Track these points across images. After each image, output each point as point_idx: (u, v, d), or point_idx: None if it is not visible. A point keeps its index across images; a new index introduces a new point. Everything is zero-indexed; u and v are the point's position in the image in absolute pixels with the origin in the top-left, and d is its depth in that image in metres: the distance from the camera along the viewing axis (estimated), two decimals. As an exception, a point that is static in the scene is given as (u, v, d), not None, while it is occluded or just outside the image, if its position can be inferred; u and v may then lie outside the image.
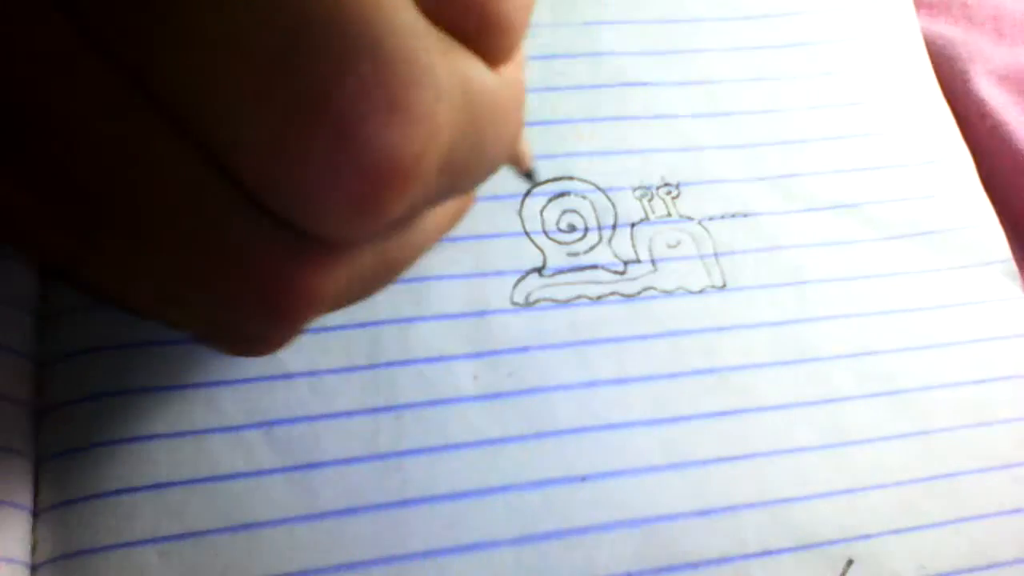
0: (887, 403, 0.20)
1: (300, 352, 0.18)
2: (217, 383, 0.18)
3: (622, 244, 0.21)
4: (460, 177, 0.13)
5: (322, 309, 0.14)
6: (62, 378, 0.17)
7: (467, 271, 0.20)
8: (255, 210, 0.12)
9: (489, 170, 0.14)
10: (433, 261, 0.19)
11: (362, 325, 0.19)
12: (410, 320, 0.19)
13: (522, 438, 0.18)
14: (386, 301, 0.19)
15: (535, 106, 0.22)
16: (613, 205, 0.21)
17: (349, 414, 0.18)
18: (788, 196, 0.22)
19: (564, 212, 0.21)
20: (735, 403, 0.19)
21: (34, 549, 0.16)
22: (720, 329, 0.20)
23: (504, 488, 0.18)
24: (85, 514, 0.17)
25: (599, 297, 0.20)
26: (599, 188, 0.22)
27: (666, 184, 0.22)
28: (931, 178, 0.23)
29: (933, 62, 0.25)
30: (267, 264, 0.13)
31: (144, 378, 0.18)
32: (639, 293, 0.20)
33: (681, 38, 0.24)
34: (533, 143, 0.21)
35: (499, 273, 0.20)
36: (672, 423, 0.19)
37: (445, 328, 0.19)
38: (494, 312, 0.20)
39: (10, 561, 0.16)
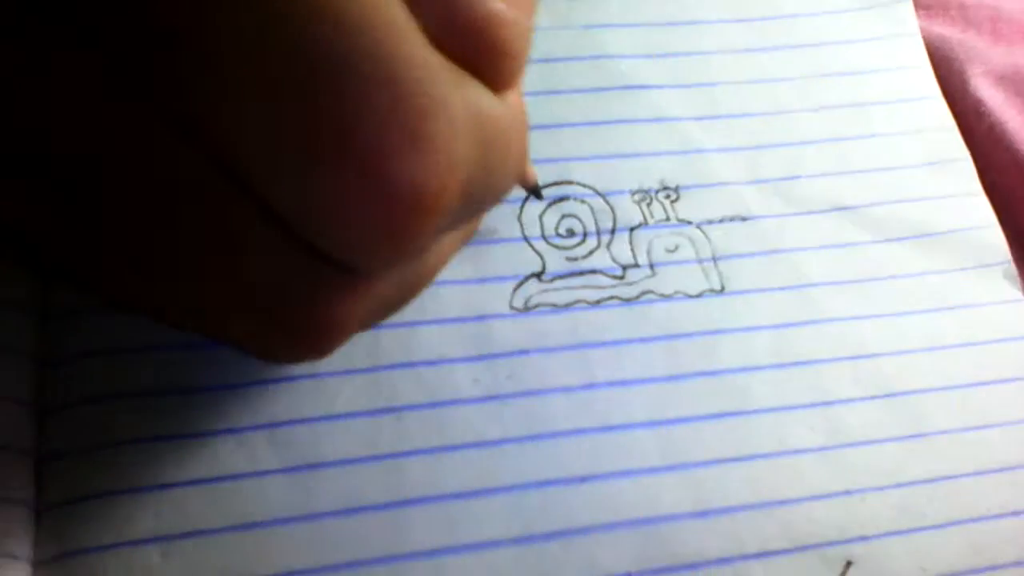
0: (886, 405, 0.20)
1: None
2: (221, 386, 0.18)
3: (621, 249, 0.21)
4: (476, 203, 0.14)
5: (349, 334, 0.15)
6: (66, 379, 0.18)
7: (467, 277, 0.20)
8: (288, 243, 0.13)
9: (501, 193, 0.15)
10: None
11: None
12: (411, 324, 0.19)
13: (521, 439, 0.18)
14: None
15: (535, 110, 0.22)
16: (612, 209, 0.22)
17: (350, 416, 0.18)
18: (787, 199, 0.22)
19: (563, 217, 0.21)
20: (734, 405, 0.19)
21: (36, 547, 0.16)
22: (718, 332, 0.20)
23: (504, 488, 0.18)
24: (88, 513, 0.17)
25: (598, 301, 0.20)
26: (598, 192, 0.22)
27: (665, 188, 0.22)
28: (931, 180, 0.23)
29: (931, 63, 0.25)
30: (301, 296, 0.13)
31: (148, 381, 0.18)
32: (638, 297, 0.21)
33: (682, 40, 0.24)
34: (533, 147, 0.22)
35: (499, 279, 0.20)
36: (671, 425, 0.19)
37: (445, 332, 0.19)
38: (493, 317, 0.20)
39: (13, 559, 0.16)
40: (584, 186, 0.22)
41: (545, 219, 0.21)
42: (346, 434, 0.18)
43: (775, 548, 0.18)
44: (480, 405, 0.19)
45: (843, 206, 0.22)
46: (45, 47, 0.12)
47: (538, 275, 0.21)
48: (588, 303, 0.20)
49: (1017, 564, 0.19)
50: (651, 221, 0.22)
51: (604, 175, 0.22)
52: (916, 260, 0.22)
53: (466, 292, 0.20)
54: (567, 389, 0.19)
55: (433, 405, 0.19)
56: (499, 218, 0.21)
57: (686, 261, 0.21)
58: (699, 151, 0.23)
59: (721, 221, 0.22)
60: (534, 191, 0.21)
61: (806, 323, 0.21)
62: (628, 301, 0.20)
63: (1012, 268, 0.22)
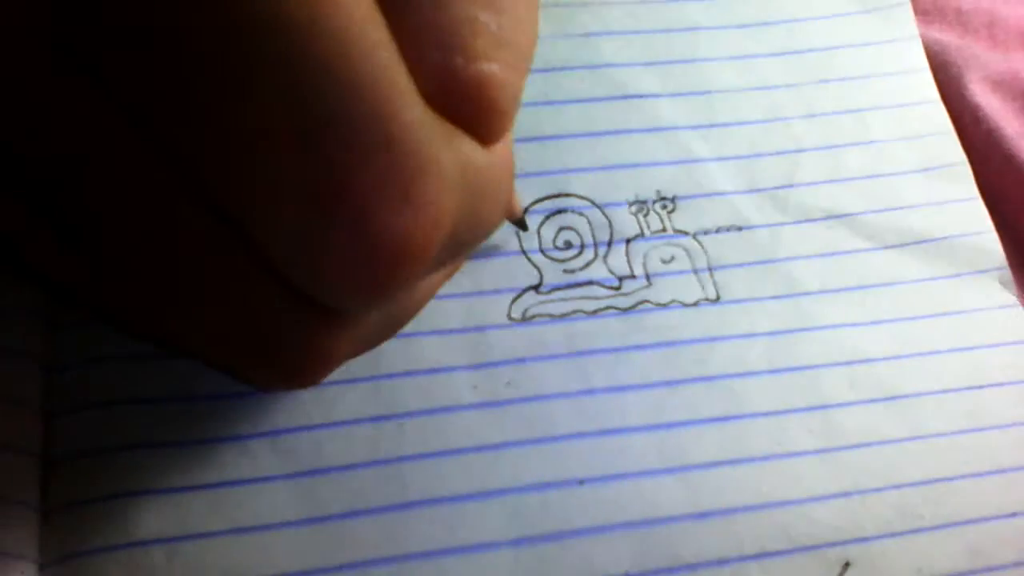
0: (883, 408, 0.20)
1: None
2: (225, 394, 0.18)
3: (617, 260, 0.21)
4: (460, 248, 0.14)
5: (334, 367, 0.15)
6: (73, 383, 0.18)
7: (466, 290, 0.20)
8: (277, 283, 0.13)
9: (485, 236, 0.15)
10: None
11: None
12: (411, 335, 0.19)
13: (520, 443, 0.19)
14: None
15: (533, 121, 0.22)
16: (609, 221, 0.22)
17: (351, 423, 0.18)
18: (783, 207, 0.22)
19: (561, 229, 0.22)
20: (731, 409, 0.20)
21: (42, 548, 0.17)
22: (714, 340, 0.20)
23: (503, 491, 0.18)
24: (93, 515, 0.17)
25: (595, 312, 0.21)
26: (596, 204, 0.22)
27: (662, 198, 0.22)
28: (928, 186, 0.23)
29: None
30: (287, 332, 0.14)
31: (154, 387, 0.18)
32: (634, 307, 0.21)
33: (680, 48, 0.24)
34: (531, 158, 0.22)
35: (496, 292, 0.21)
36: (668, 428, 0.19)
37: (445, 342, 0.20)
38: (492, 327, 0.20)
39: (19, 560, 0.16)
40: (582, 198, 0.22)
41: (543, 232, 0.22)
42: (348, 440, 0.18)
43: (773, 549, 0.18)
44: (479, 411, 0.19)
45: (839, 213, 0.22)
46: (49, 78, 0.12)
47: (536, 287, 0.21)
48: (585, 313, 0.21)
49: (1014, 565, 0.19)
50: (648, 232, 0.22)
51: (602, 186, 0.22)
52: (912, 266, 0.22)
53: (465, 304, 0.20)
54: (565, 395, 0.19)
55: (433, 412, 0.19)
56: (498, 233, 0.21)
57: (681, 272, 0.21)
58: (696, 161, 0.23)
59: (718, 231, 0.22)
60: (519, 223, 0.21)
61: (801, 330, 0.21)
62: (624, 311, 0.21)
63: (1008, 274, 0.22)
